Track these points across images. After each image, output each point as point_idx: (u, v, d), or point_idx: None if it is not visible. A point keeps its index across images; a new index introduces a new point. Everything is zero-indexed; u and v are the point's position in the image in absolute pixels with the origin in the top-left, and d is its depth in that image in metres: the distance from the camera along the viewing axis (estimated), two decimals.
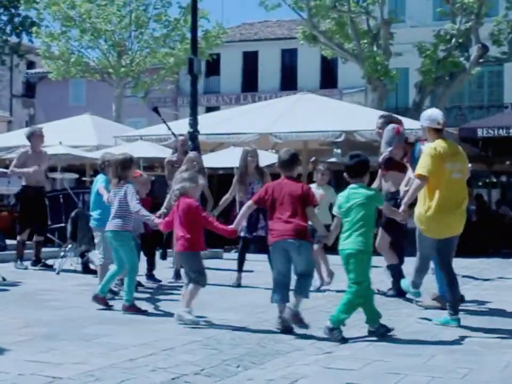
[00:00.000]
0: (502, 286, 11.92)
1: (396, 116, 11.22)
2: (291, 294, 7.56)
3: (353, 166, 7.50)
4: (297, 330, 7.42)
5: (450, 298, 7.92)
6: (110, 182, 9.17)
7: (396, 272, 9.83)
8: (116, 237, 8.81)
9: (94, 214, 9.84)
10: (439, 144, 7.82)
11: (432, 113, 8.07)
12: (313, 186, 11.19)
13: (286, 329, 7.42)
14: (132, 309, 8.60)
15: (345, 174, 7.57)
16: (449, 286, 7.96)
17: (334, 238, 7.71)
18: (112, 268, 9.03)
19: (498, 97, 40.94)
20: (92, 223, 9.92)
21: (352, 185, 7.44)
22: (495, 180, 30.30)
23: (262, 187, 8.13)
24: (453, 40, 28.96)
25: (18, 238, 13.72)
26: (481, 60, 29.11)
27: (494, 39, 29.35)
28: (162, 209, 10.92)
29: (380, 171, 10.08)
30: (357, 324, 7.51)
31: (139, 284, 10.54)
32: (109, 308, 8.74)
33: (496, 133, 19.14)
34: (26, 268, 13.34)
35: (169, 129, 14.45)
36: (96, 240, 9.85)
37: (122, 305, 8.68)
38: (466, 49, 29.22)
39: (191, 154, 12.29)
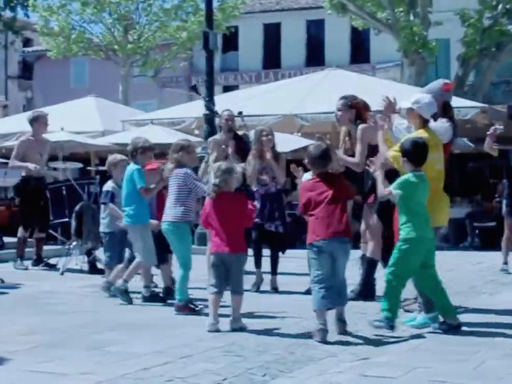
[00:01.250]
0: None
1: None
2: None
3: (416, 151, 7.70)
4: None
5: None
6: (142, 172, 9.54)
7: (372, 270, 9.79)
8: (174, 229, 8.93)
9: (128, 209, 9.78)
10: (422, 135, 7.98)
11: (431, 102, 8.20)
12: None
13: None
14: (186, 309, 8.74)
15: (403, 158, 7.73)
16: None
17: None
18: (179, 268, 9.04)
19: None
20: (126, 220, 9.85)
21: (418, 173, 7.68)
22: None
23: (301, 190, 8.06)
24: (500, 6, 28.77)
25: (18, 234, 13.77)
26: None
27: None
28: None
29: None
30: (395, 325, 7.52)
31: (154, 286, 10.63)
32: (196, 313, 8.75)
33: None
34: (27, 268, 13.43)
35: (210, 109, 14.25)
36: (132, 239, 9.87)
37: (175, 305, 8.82)
38: None
39: (217, 137, 12.02)
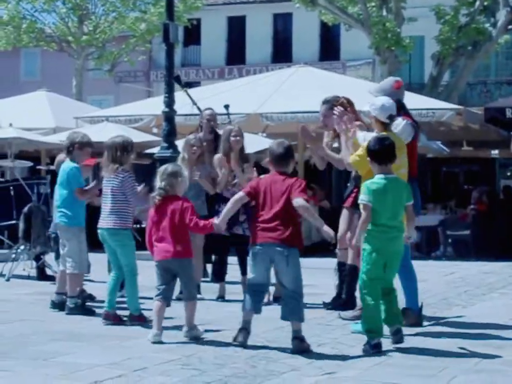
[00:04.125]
0: None
1: None
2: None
3: (380, 150, 7.72)
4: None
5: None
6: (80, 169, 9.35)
7: (355, 278, 9.61)
8: (114, 236, 8.83)
9: (64, 210, 9.63)
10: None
11: (384, 105, 8.23)
12: None
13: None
14: (140, 319, 8.69)
15: (369, 158, 7.77)
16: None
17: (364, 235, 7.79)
18: (111, 274, 8.98)
19: None
20: (61, 221, 9.71)
21: (385, 175, 7.67)
22: None
23: (254, 180, 8.11)
24: (477, 3, 28.98)
25: None
26: (510, 27, 29.14)
27: None
28: None
29: None
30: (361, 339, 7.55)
31: (90, 297, 10.52)
32: (123, 323, 8.69)
33: None
34: None
35: (195, 104, 14.19)
36: (65, 242, 9.67)
37: (129, 315, 8.75)
38: (493, 13, 29.24)
39: (191, 136, 11.97)
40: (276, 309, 7.77)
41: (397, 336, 7.60)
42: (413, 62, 36.25)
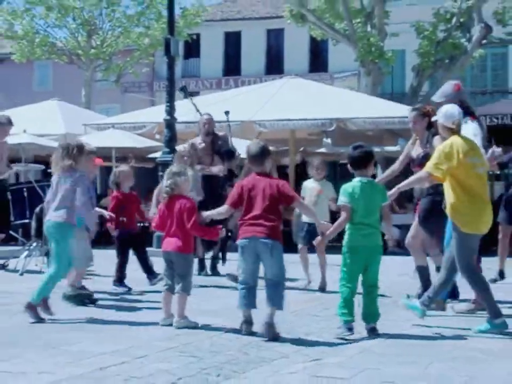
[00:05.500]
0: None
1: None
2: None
3: (359, 156, 7.80)
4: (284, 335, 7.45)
5: (485, 302, 7.97)
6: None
7: (425, 275, 9.67)
8: (58, 229, 8.59)
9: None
10: (455, 140, 7.95)
11: (449, 111, 8.13)
12: (310, 181, 11.27)
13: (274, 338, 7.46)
14: (33, 309, 8.31)
15: (348, 165, 7.87)
16: (479, 289, 8.03)
17: (338, 231, 7.87)
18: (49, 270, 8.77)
19: (502, 82, 41.15)
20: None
21: (361, 179, 7.73)
22: (498, 173, 30.37)
23: (235, 187, 8.11)
24: (454, 20, 29.02)
25: None
26: (484, 41, 29.19)
27: (498, 18, 29.42)
28: (152, 210, 10.94)
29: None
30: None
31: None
32: (40, 320, 8.31)
33: (500, 121, 19.17)
34: (2, 268, 13.34)
35: (198, 111, 14.24)
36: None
37: (26, 303, 8.40)
38: (468, 29, 29.30)
39: (181, 148, 12.13)
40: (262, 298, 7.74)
41: (372, 334, 7.60)
42: (395, 73, 36.31)
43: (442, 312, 8.89)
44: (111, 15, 34.84)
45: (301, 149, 22.62)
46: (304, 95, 20.30)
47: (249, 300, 7.67)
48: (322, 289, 11.10)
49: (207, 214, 8.16)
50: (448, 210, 8.01)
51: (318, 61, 44.62)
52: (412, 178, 8.29)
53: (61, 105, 25.40)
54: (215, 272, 12.77)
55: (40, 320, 8.25)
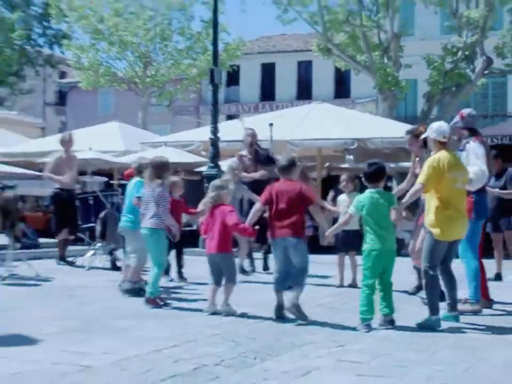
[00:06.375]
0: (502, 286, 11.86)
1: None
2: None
3: (372, 172, 7.80)
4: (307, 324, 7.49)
5: (428, 298, 7.77)
6: (143, 183, 9.23)
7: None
8: (152, 234, 8.82)
9: (129, 216, 9.65)
10: (442, 155, 7.78)
11: (439, 127, 7.96)
12: (342, 195, 11.18)
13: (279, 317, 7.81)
14: (152, 302, 8.61)
15: (363, 179, 7.89)
16: (428, 288, 7.79)
17: (336, 231, 8.22)
18: (152, 269, 8.88)
19: (502, 107, 40.86)
20: (126, 225, 9.73)
21: (371, 190, 7.75)
22: None
23: (266, 189, 8.23)
24: (459, 53, 28.89)
25: (58, 238, 13.79)
26: (486, 72, 29.04)
27: (498, 52, 29.26)
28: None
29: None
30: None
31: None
32: (161, 306, 8.61)
33: (500, 141, 19.05)
34: (72, 263, 13.46)
35: (245, 128, 14.40)
36: (130, 242, 9.65)
37: (145, 297, 8.70)
38: (472, 61, 29.15)
39: (234, 164, 12.19)
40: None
41: (390, 324, 7.56)
42: (408, 99, 36.20)
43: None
44: (164, 49, 35.00)
45: (327, 164, 22.58)
46: (329, 118, 20.29)
47: (282, 284, 7.89)
48: (353, 286, 11.00)
49: (249, 219, 8.33)
50: (424, 218, 7.88)
51: (341, 88, 44.54)
52: (410, 192, 8.01)
53: (121, 126, 25.54)
54: (266, 266, 12.72)
55: (160, 307, 8.51)
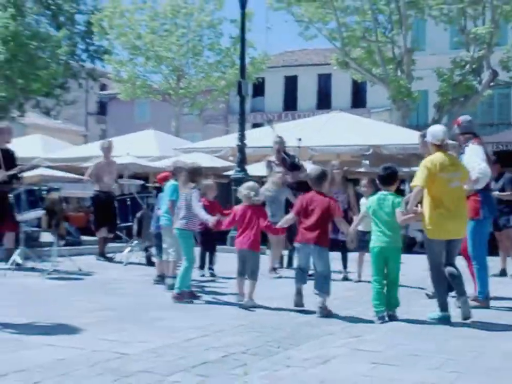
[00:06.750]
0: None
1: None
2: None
3: (385, 175, 7.76)
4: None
5: (437, 295, 7.61)
6: (177, 187, 9.23)
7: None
8: (181, 234, 8.81)
9: (167, 215, 9.55)
10: (436, 156, 7.55)
11: (434, 130, 7.77)
12: (363, 198, 11.09)
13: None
14: (179, 298, 8.52)
15: (377, 181, 7.86)
16: (436, 286, 7.64)
17: (354, 229, 8.18)
18: (183, 264, 8.82)
19: (506, 116, 40.54)
20: (164, 223, 9.64)
21: (382, 192, 7.71)
22: None
23: (298, 199, 8.24)
24: (467, 66, 28.78)
25: (98, 236, 13.86)
26: (491, 84, 28.91)
27: (503, 65, 29.08)
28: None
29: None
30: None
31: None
32: (186, 302, 8.50)
33: (505, 147, 18.92)
34: (111, 260, 13.51)
35: (277, 135, 14.43)
36: (167, 239, 9.58)
37: (172, 293, 8.62)
38: (479, 74, 29.02)
39: (276, 178, 12.11)
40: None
41: (391, 319, 7.44)
42: (420, 109, 36.00)
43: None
44: (195, 63, 35.03)
45: (345, 168, 22.53)
46: (347, 126, 20.26)
47: (302, 278, 7.96)
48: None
49: (280, 224, 8.41)
50: (421, 217, 7.64)
51: (358, 99, 44.40)
52: (412, 194, 7.60)
53: (156, 134, 25.60)
54: (291, 263, 12.66)
55: (188, 302, 8.43)
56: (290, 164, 12.99)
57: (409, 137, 19.30)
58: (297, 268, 8.11)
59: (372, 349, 5.99)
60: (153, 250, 12.48)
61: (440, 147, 7.66)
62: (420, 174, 7.52)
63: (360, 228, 10.50)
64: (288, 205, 11.37)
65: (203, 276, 11.29)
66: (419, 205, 7.57)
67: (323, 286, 7.72)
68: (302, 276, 7.98)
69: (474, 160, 8.35)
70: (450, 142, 8.82)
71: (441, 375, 5.16)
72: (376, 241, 7.58)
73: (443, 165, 7.48)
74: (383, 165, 7.97)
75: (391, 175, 7.77)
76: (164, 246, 9.69)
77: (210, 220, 8.64)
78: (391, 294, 7.58)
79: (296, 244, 8.01)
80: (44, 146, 25.16)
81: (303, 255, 7.91)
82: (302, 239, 7.84)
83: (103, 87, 52.63)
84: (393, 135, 19.58)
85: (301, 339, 6.35)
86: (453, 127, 9.14)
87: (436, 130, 7.76)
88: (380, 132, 20.11)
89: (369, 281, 10.71)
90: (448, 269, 7.50)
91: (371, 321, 7.34)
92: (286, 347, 5.99)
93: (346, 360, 5.59)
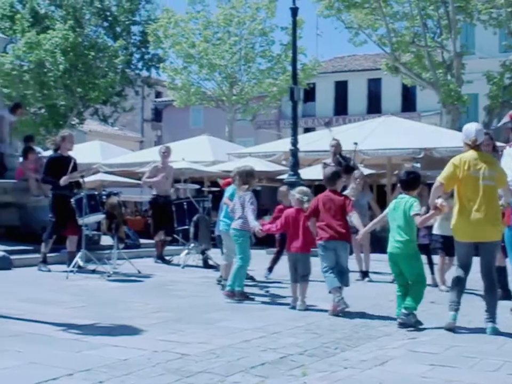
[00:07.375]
0: None
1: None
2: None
3: (407, 180, 7.42)
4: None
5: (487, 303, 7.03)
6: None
7: (502, 274, 8.77)
8: (237, 233, 8.81)
9: (225, 220, 9.52)
10: (466, 154, 7.13)
11: (467, 130, 7.31)
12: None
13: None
14: (230, 296, 8.52)
15: (399, 185, 7.77)
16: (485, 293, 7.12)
17: (370, 229, 8.04)
18: (236, 263, 8.80)
19: None
20: (223, 228, 9.59)
21: (401, 195, 7.41)
22: None
23: (314, 199, 8.26)
24: None
25: (155, 239, 13.94)
26: None
27: None
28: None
29: None
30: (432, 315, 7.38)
31: (251, 278, 10.60)
32: (244, 299, 8.55)
33: None
34: (168, 262, 13.57)
35: (334, 139, 14.44)
36: (226, 243, 9.51)
37: (224, 291, 8.65)
38: None
39: (357, 173, 11.95)
40: (368, 289, 7.66)
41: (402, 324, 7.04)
42: (470, 112, 35.42)
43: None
44: (248, 70, 35.09)
45: (396, 171, 22.32)
46: (397, 129, 20.07)
47: (335, 280, 7.83)
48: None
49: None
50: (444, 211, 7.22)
51: (408, 103, 43.94)
52: (432, 190, 7.20)
53: (210, 139, 25.74)
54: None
55: (239, 301, 8.46)
56: (345, 166, 12.89)
57: (460, 140, 19.02)
58: (326, 271, 7.87)
59: (428, 350, 5.89)
60: (209, 253, 12.54)
61: (475, 146, 7.17)
62: (445, 169, 7.15)
63: (439, 231, 10.25)
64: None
65: (266, 277, 11.19)
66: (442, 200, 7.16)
67: (343, 278, 7.89)
68: (332, 275, 7.82)
69: (509, 166, 7.81)
70: (499, 144, 8.56)
71: (500, 377, 5.05)
72: (389, 246, 7.27)
73: (472, 164, 7.01)
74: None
75: (413, 180, 7.40)
76: (224, 250, 9.68)
77: (256, 226, 8.60)
78: (406, 297, 7.13)
79: (320, 242, 7.95)
80: (102, 152, 25.50)
81: (329, 252, 7.89)
82: (328, 236, 7.87)
83: (158, 94, 53.08)
84: (443, 138, 19.33)
85: (358, 340, 6.29)
86: (504, 120, 8.89)
87: (468, 129, 7.28)
88: (430, 135, 19.89)
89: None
90: (458, 271, 7.11)
91: (424, 325, 7.21)
92: (343, 348, 5.93)
93: (403, 362, 5.50)
